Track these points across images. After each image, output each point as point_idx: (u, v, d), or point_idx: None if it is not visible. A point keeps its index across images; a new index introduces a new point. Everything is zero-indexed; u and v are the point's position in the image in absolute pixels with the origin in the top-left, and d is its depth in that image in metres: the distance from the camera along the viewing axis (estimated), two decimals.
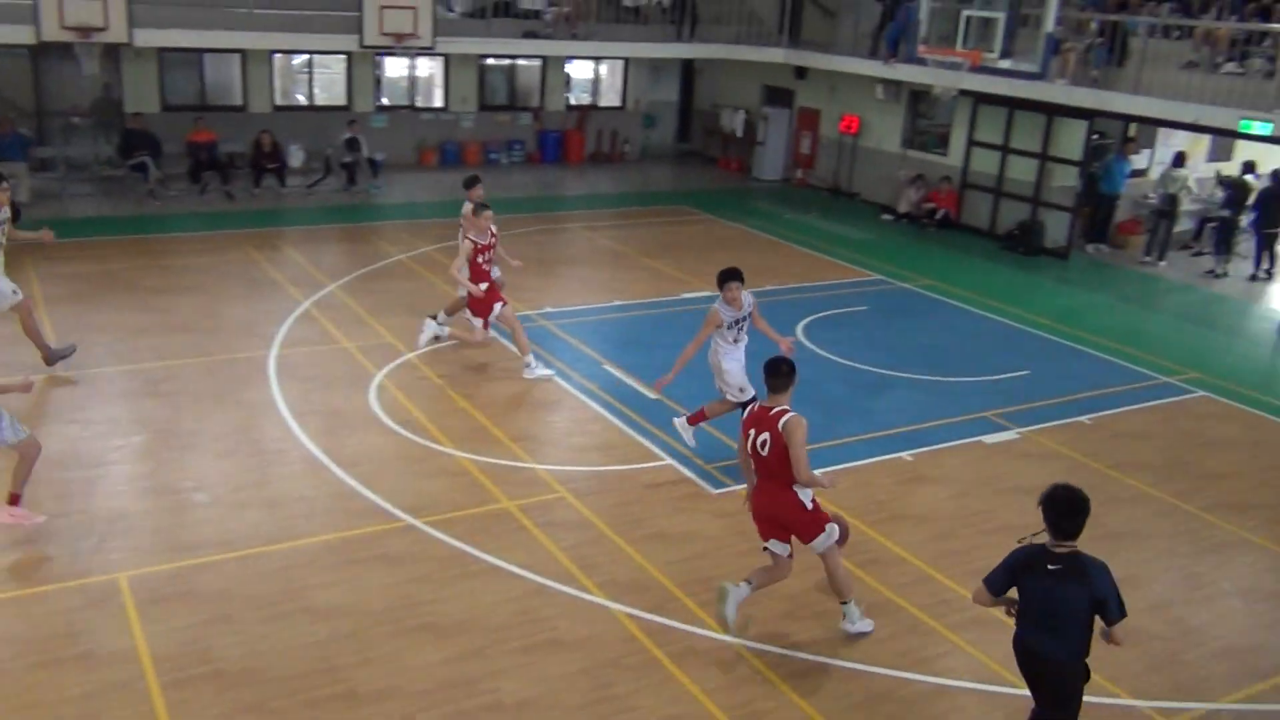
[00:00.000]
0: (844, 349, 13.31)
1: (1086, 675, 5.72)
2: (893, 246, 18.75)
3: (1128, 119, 18.31)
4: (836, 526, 7.34)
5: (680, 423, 10.30)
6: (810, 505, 7.26)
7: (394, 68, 23.53)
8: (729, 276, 9.57)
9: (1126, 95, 16.68)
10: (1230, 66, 15.80)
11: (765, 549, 7.40)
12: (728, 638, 7.44)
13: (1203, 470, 10.58)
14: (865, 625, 7.61)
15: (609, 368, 12.16)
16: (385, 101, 23.30)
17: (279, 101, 22.18)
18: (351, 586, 7.80)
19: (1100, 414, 11.79)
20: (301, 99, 22.81)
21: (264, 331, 12.65)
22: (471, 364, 12.17)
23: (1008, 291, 16.56)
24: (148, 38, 18.71)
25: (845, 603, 7.55)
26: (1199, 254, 19.28)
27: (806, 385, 11.99)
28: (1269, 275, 17.80)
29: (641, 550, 8.51)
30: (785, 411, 7.14)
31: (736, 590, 7.38)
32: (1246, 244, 18.87)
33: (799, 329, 13.90)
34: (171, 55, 20.87)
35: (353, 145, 20.45)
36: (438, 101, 24.12)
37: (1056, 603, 5.58)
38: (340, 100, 22.88)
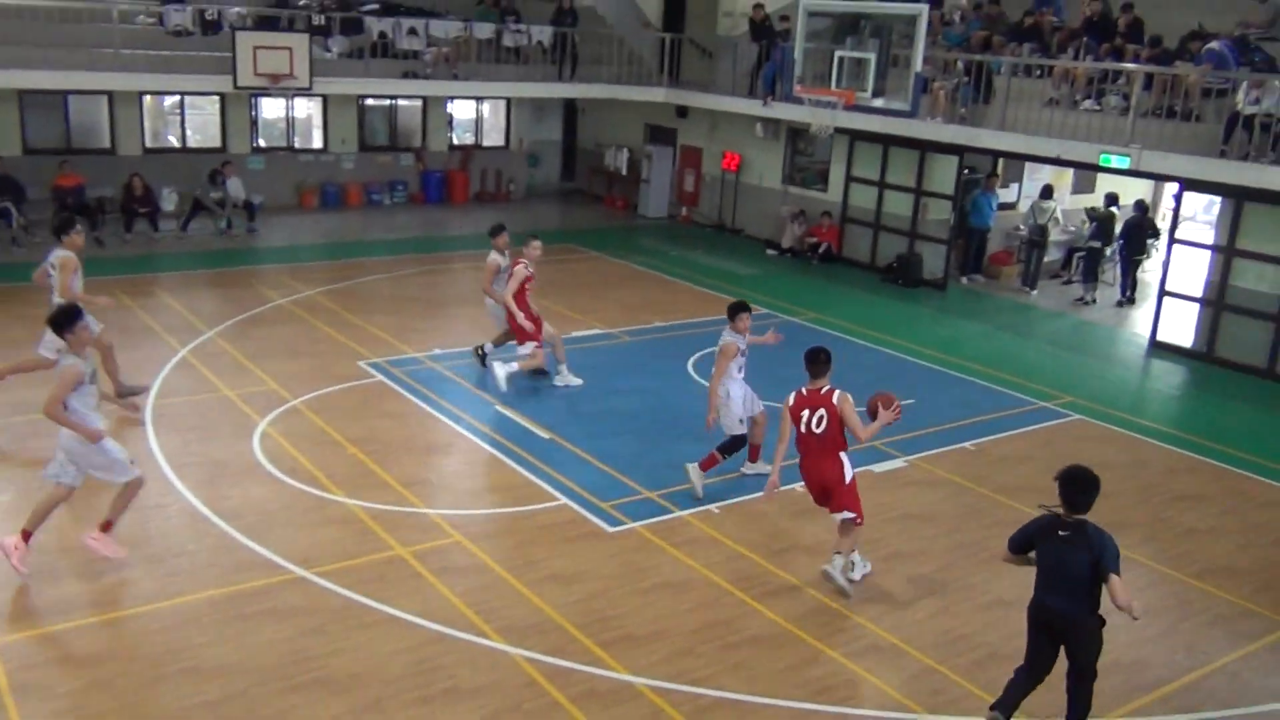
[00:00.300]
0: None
1: (1102, 623, 6.63)
2: (778, 281, 19.08)
3: (996, 154, 19.04)
4: (858, 515, 8.71)
5: (693, 468, 10.25)
6: (849, 479, 8.65)
7: (271, 108, 23.12)
8: (741, 308, 10.29)
9: (993, 131, 17.35)
10: (1088, 104, 16.54)
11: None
12: (629, 677, 7.39)
13: None
14: (864, 568, 8.98)
15: (501, 409, 12.05)
16: (262, 143, 22.86)
17: (150, 144, 21.58)
18: (239, 643, 7.51)
19: (983, 439, 12.12)
20: (174, 141, 22.23)
21: (140, 382, 12.20)
22: (358, 408, 11.93)
23: (890, 323, 16.96)
24: (7, 79, 18.03)
25: (840, 553, 8.68)
26: (1069, 282, 20.07)
27: (699, 420, 12.09)
28: (1133, 300, 18.64)
29: (539, 592, 8.40)
30: (833, 390, 8.58)
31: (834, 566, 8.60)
32: (1112, 271, 19.74)
33: (689, 365, 13.99)
34: (33, 96, 20.14)
35: (214, 179, 19.98)
36: (317, 143, 23.76)
37: (1066, 565, 6.55)
38: (214, 142, 22.36)
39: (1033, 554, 6.74)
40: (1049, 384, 14.25)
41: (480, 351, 13.39)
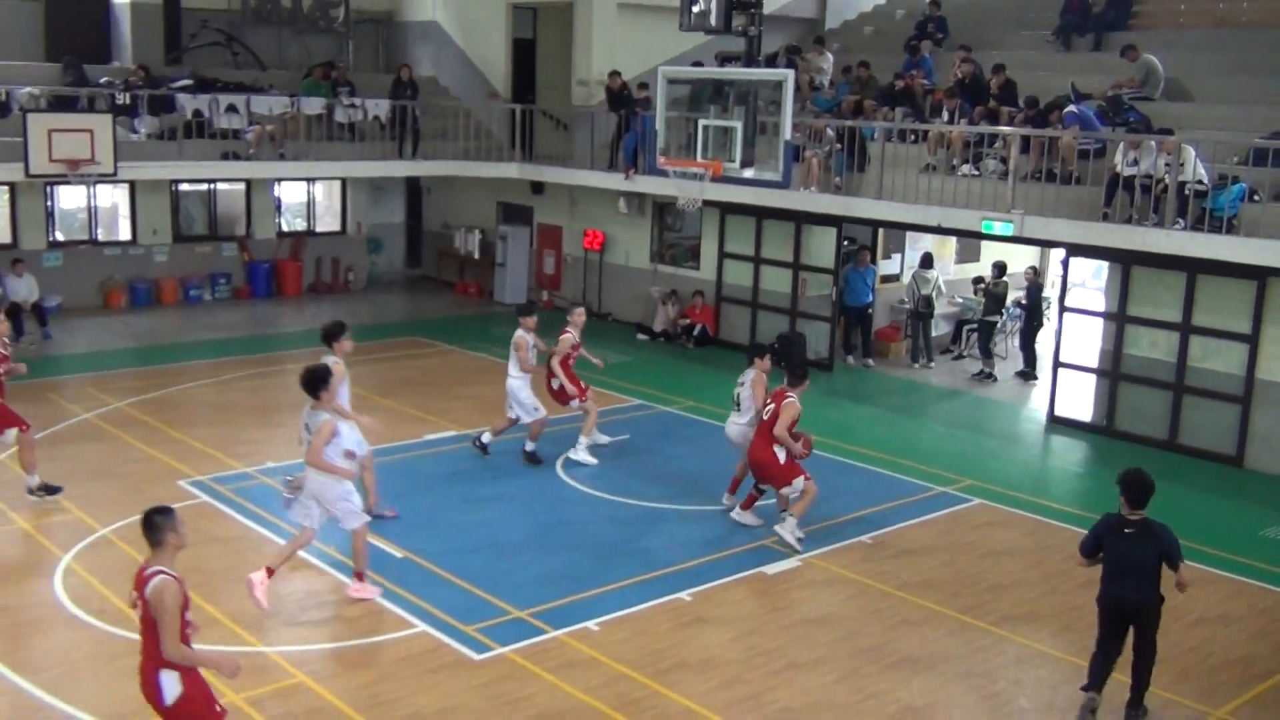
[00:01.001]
0: (610, 483, 13.44)
1: (1162, 601, 8.48)
2: (651, 368, 19.26)
3: (875, 224, 19.71)
4: (804, 483, 11.79)
5: (738, 513, 12.35)
6: (783, 461, 11.76)
7: (70, 198, 22.54)
8: (762, 352, 12.85)
9: (870, 201, 17.99)
10: (966, 168, 17.34)
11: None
12: None
13: (989, 582, 11.20)
14: (799, 534, 11.64)
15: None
16: (60, 236, 22.22)
17: None
18: None
19: (881, 531, 12.35)
20: None
21: None
22: (191, 529, 11.47)
23: None
24: None
25: (792, 515, 11.78)
26: (959, 357, 20.76)
27: (572, 528, 12.05)
28: (1034, 374, 19.24)
29: None
30: (787, 394, 11.79)
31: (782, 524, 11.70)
32: (1004, 344, 20.46)
33: (558, 466, 13.95)
34: None
35: None
36: (124, 234, 23.21)
37: (1134, 557, 8.33)
38: (4, 237, 21.65)
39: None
40: (947, 467, 14.65)
41: (479, 443, 14.22)
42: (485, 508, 12.60)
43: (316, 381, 10.13)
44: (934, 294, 19.88)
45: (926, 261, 20.14)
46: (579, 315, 14.36)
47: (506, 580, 10.75)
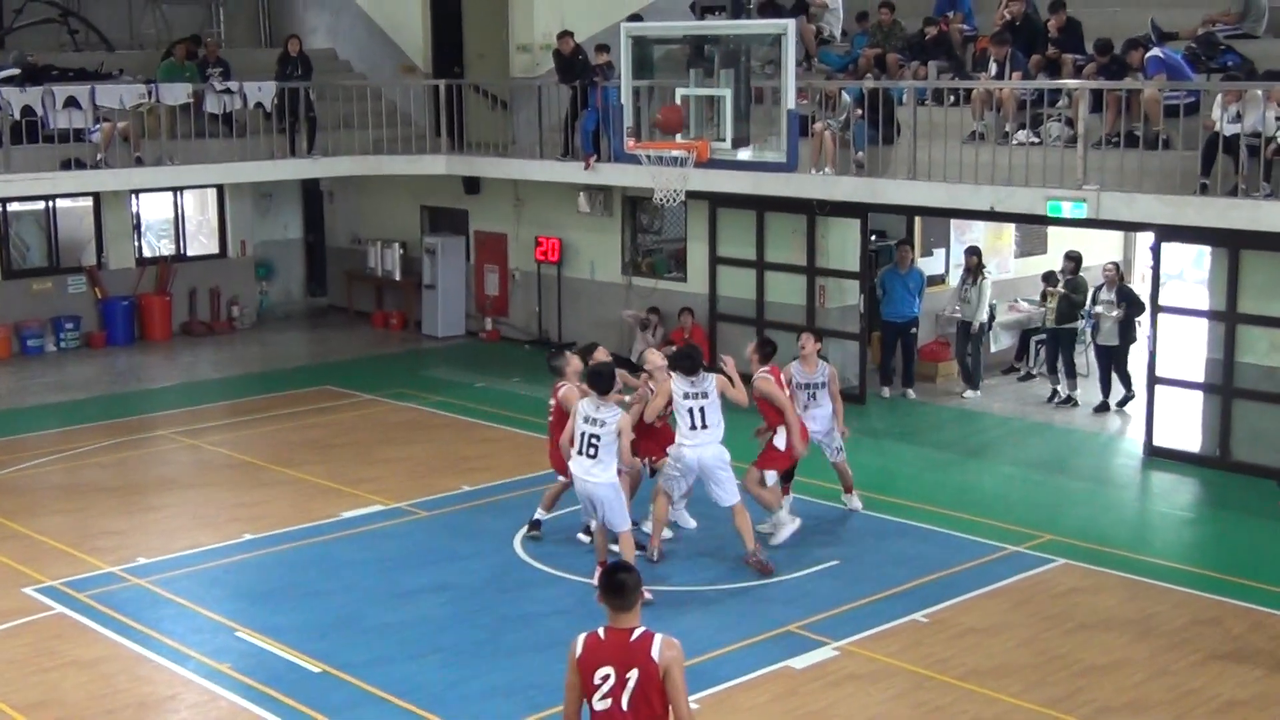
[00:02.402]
0: (578, 559, 13.44)
1: None
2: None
3: (910, 211, 19.78)
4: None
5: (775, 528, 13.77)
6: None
7: None
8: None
9: (901, 182, 18.04)
10: (1023, 135, 17.45)
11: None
12: None
13: (1081, 664, 11.22)
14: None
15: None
16: None
17: None
18: None
19: (939, 607, 12.35)
20: None
21: None
22: (29, 658, 11.48)
23: None
24: None
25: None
26: (1028, 376, 20.84)
27: (534, 621, 12.03)
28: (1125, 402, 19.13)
29: None
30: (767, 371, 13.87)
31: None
32: (1085, 358, 20.40)
33: (516, 543, 13.95)
34: None
35: None
36: None
37: None
38: None
39: None
40: (1019, 520, 14.69)
41: (536, 528, 14.10)
42: (422, 601, 12.55)
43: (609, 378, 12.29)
44: (978, 302, 19.65)
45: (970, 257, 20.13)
46: (577, 361, 13.85)
47: (455, 694, 10.72)
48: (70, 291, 24.24)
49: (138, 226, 25.34)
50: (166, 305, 24.99)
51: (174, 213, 25.88)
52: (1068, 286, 19.45)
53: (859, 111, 18.63)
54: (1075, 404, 19.29)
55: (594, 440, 12.24)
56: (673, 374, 13.15)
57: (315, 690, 10.82)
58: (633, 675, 6.83)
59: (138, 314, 24.71)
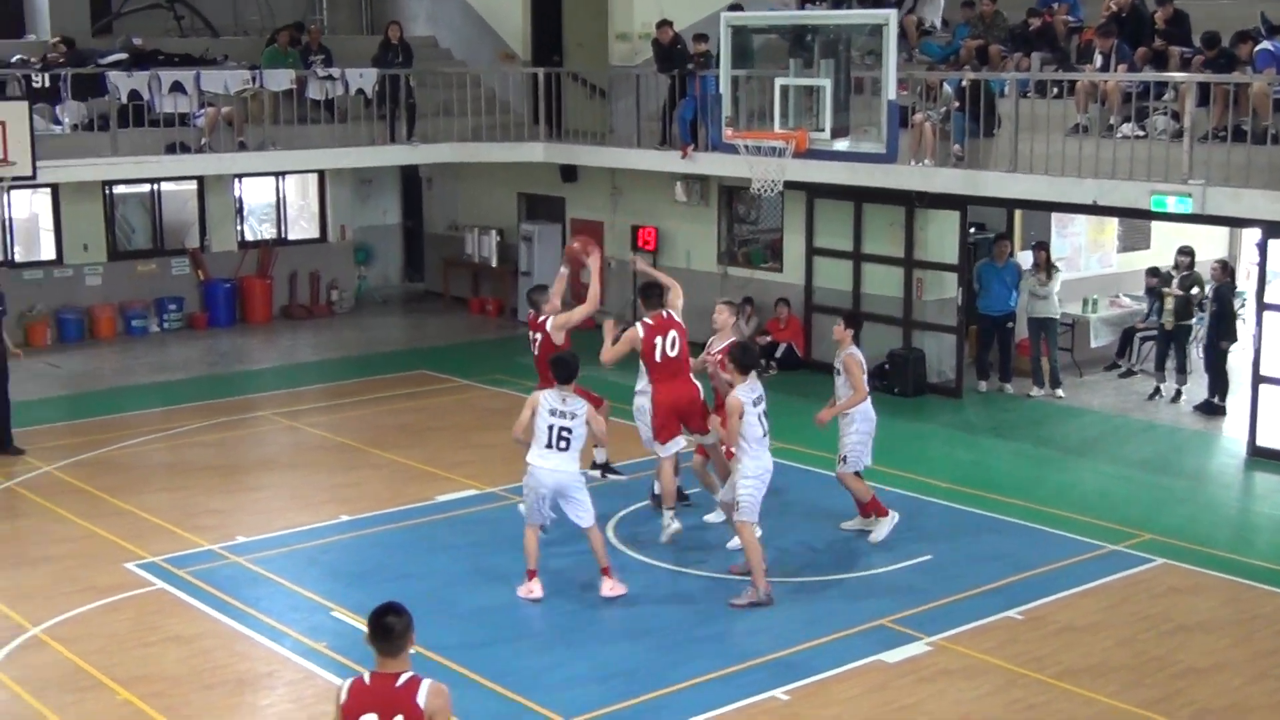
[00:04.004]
0: (675, 552, 13.46)
1: None
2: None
3: (1009, 204, 19.61)
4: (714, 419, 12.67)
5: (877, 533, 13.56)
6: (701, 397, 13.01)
7: None
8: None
9: (1001, 174, 17.88)
10: (1127, 128, 17.23)
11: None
12: None
13: (1179, 666, 11.09)
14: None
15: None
16: None
17: None
18: None
19: (1034, 604, 12.24)
20: None
21: None
22: (131, 632, 11.71)
23: (886, 448, 16.99)
24: None
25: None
26: (1129, 373, 20.58)
27: (628, 609, 12.07)
28: (1224, 405, 18.82)
29: None
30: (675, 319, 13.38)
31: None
32: (1196, 352, 20.04)
33: (610, 528, 13.99)
34: None
35: None
36: (47, 252, 23.62)
37: None
38: None
39: None
40: (1118, 518, 14.52)
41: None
42: (514, 586, 12.63)
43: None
44: (1050, 296, 19.41)
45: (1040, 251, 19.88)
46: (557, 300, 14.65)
47: (547, 679, 10.78)
48: (174, 273, 24.66)
49: (240, 210, 25.71)
50: (267, 288, 25.33)
51: (276, 197, 26.25)
52: (1184, 284, 19.14)
53: (957, 103, 18.50)
54: (1180, 397, 19.04)
55: (565, 433, 11.96)
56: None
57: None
58: None
59: (239, 296, 25.08)
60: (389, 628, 6.68)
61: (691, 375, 13.48)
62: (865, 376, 13.62)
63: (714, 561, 13.18)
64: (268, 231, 26.23)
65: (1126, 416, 18.73)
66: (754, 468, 12.10)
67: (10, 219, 23.23)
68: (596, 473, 14.63)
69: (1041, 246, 19.77)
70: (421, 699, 6.60)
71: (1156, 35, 18.09)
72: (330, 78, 23.10)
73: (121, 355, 22.50)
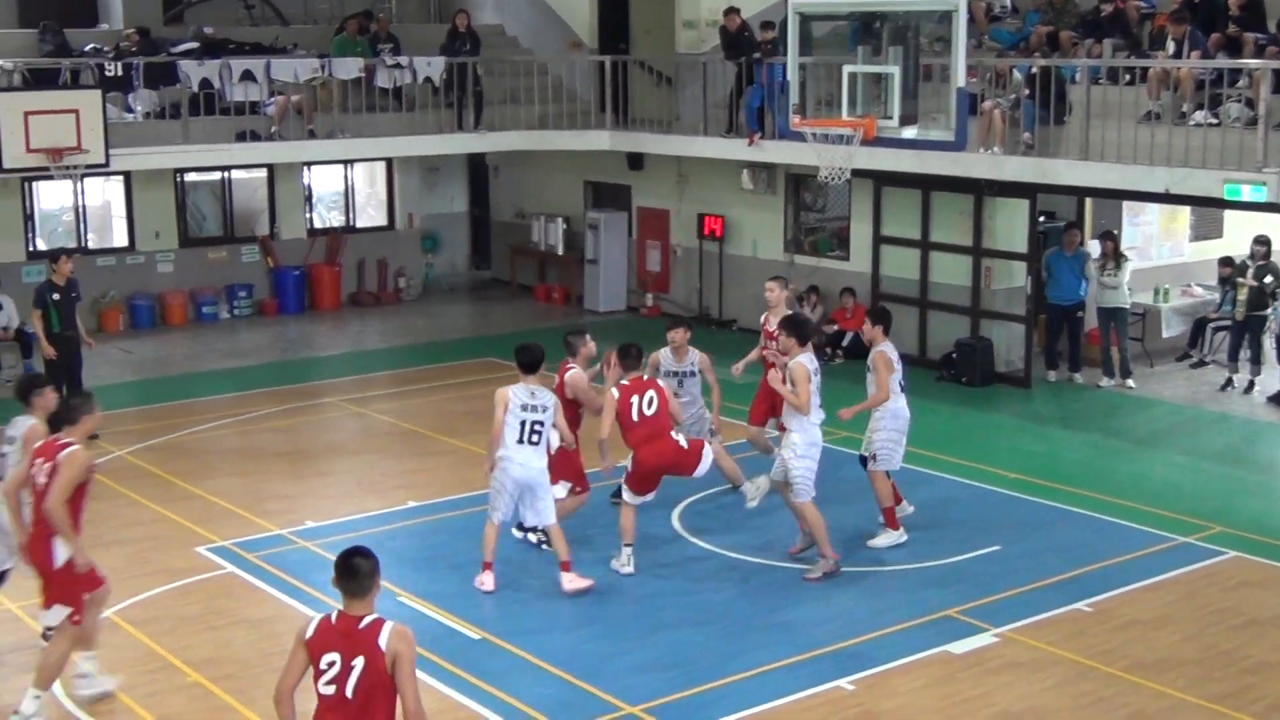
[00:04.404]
0: (736, 538, 13.49)
1: None
2: None
3: (1080, 193, 19.43)
4: (708, 447, 12.91)
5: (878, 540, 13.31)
6: (686, 444, 12.62)
7: (53, 196, 23.28)
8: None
9: (1072, 162, 17.71)
10: (1200, 116, 17.02)
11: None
12: None
13: (1251, 660, 10.97)
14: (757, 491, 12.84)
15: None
16: (41, 245, 22.98)
17: None
18: None
19: (1102, 597, 12.16)
20: None
21: None
22: (202, 615, 11.88)
23: (954, 438, 17.08)
24: None
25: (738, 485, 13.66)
26: (1201, 363, 20.35)
27: (691, 597, 12.09)
28: None
29: None
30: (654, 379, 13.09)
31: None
32: (1270, 344, 19.78)
33: (674, 516, 14.01)
34: None
35: None
36: (120, 239, 23.91)
37: None
38: None
39: None
40: (1189, 510, 14.37)
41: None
42: (579, 572, 12.68)
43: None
44: (1119, 285, 19.23)
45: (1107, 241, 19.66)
46: (593, 346, 13.73)
47: (610, 667, 10.81)
48: (244, 260, 24.90)
49: (309, 198, 25.90)
50: (336, 275, 25.52)
51: (344, 185, 26.42)
52: (1259, 273, 18.90)
53: (1026, 90, 18.34)
54: (1254, 388, 18.82)
55: (537, 426, 11.95)
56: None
57: (474, 656, 11.00)
58: (358, 663, 6.68)
59: (308, 283, 25.27)
60: (355, 568, 6.78)
61: (673, 433, 12.59)
62: (897, 375, 13.18)
63: (778, 549, 13.16)
64: (336, 219, 26.42)
65: (1198, 407, 18.52)
66: (804, 442, 12.30)
67: (84, 206, 23.50)
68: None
69: (1109, 236, 19.59)
70: (383, 640, 6.68)
71: (1230, 22, 17.85)
72: (398, 66, 23.22)
73: (192, 341, 22.74)
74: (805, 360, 12.29)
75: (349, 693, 6.67)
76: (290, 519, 14.23)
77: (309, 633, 6.77)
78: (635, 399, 12.42)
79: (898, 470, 13.43)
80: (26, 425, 10.72)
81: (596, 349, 13.64)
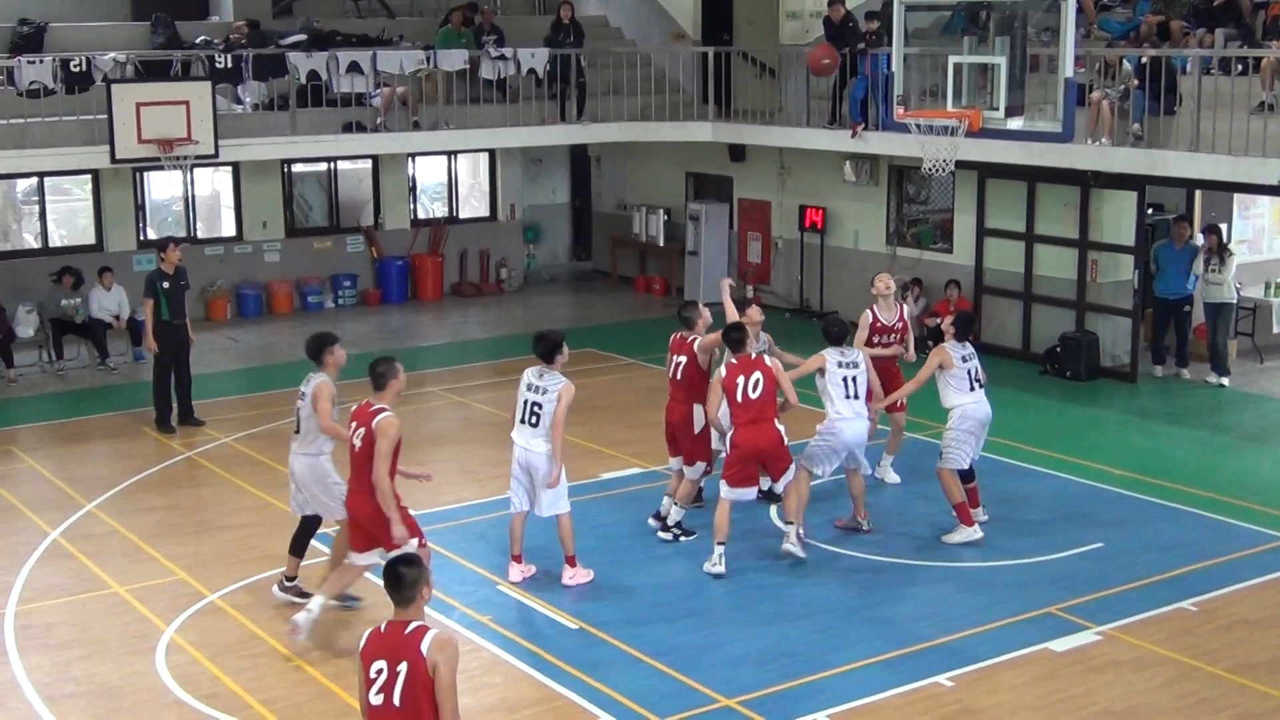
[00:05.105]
0: (835, 532, 13.45)
1: None
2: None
3: (1190, 185, 19.11)
4: (706, 465, 13.10)
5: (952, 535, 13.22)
6: (699, 429, 12.97)
7: (163, 186, 23.69)
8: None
9: (1182, 154, 17.42)
10: None
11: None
12: None
13: None
14: (797, 549, 12.54)
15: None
16: (152, 234, 23.40)
17: None
18: None
19: (1208, 596, 11.97)
20: (31, 240, 22.75)
21: None
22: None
23: (1058, 434, 16.89)
24: None
25: (789, 523, 12.61)
26: None
27: (789, 590, 12.06)
28: None
29: None
30: (763, 355, 12.68)
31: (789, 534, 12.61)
32: None
33: (772, 511, 13.97)
34: None
35: (60, 281, 20.35)
36: (228, 229, 24.28)
37: None
38: (87, 238, 22.93)
39: None
40: None
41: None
42: (677, 564, 12.69)
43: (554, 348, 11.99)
44: (1224, 281, 18.87)
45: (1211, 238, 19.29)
46: (708, 315, 13.81)
47: (708, 659, 10.81)
48: (349, 250, 25.17)
49: (413, 189, 26.13)
50: (438, 266, 25.71)
51: (447, 176, 26.63)
52: None
53: (1136, 81, 18.07)
54: None
55: (536, 409, 11.96)
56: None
57: (572, 646, 11.05)
58: (402, 669, 6.63)
59: (411, 274, 25.50)
60: (400, 576, 6.79)
61: (776, 420, 12.44)
62: (960, 373, 12.98)
63: (875, 543, 13.09)
64: (439, 210, 26.64)
65: None
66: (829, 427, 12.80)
67: (193, 196, 23.90)
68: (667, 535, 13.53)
69: (1213, 230, 19.26)
70: (425, 646, 6.65)
71: None
72: (502, 58, 23.33)
73: (298, 330, 22.96)
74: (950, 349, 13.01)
75: (396, 700, 6.65)
76: None
77: (361, 643, 6.84)
78: (741, 378, 12.29)
79: (971, 466, 13.21)
80: (318, 380, 11.53)
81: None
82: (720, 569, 12.39)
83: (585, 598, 12.04)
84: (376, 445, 10.51)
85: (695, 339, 13.31)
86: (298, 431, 11.75)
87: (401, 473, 10.98)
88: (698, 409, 13.06)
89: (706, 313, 13.67)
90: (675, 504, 13.30)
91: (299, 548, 11.93)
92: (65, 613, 11.79)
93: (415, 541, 10.74)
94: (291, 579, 11.88)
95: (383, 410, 10.58)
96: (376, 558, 10.83)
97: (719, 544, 12.46)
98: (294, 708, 10.11)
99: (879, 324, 14.35)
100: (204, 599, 12.03)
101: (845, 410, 12.72)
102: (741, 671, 10.59)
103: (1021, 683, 10.45)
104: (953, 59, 17.51)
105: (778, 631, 11.30)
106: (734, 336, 12.52)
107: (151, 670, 10.67)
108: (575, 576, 12.27)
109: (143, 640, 11.20)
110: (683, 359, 13.30)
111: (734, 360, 12.41)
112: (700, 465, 13.27)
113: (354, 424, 10.74)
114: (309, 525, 11.90)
